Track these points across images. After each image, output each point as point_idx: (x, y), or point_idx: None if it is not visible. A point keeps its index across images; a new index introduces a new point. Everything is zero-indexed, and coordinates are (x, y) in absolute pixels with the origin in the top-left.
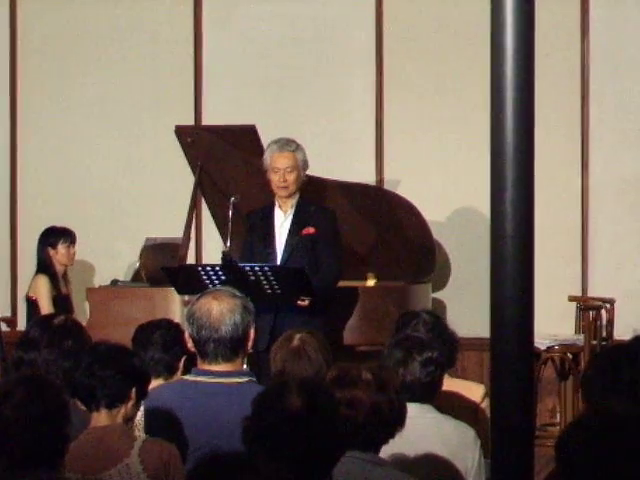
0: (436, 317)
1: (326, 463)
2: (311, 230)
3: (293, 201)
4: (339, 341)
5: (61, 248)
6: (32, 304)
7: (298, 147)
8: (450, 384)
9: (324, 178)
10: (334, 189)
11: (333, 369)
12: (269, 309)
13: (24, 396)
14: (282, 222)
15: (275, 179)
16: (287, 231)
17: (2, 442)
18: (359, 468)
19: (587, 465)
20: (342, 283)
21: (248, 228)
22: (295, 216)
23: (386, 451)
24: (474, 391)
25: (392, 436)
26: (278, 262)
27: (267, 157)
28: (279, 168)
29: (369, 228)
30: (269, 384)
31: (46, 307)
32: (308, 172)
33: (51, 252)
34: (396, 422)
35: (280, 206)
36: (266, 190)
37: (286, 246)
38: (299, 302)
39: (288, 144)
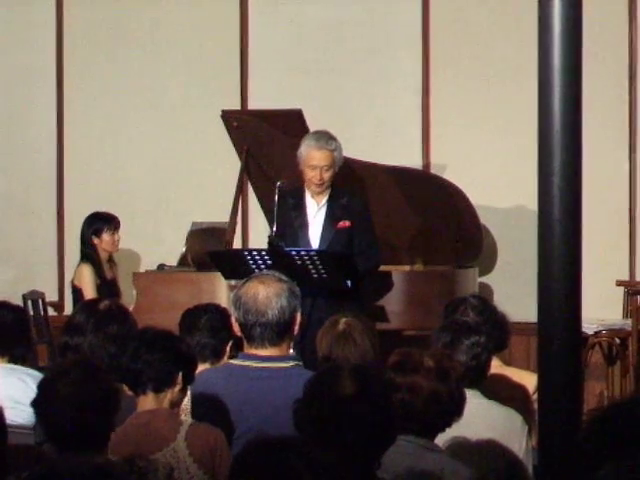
0: (483, 300)
1: (376, 449)
2: (347, 223)
3: (326, 191)
4: (384, 325)
5: (105, 236)
6: (77, 292)
7: (337, 145)
8: (502, 372)
9: (371, 162)
10: (381, 174)
11: (395, 353)
12: (304, 295)
13: (79, 376)
14: (315, 213)
15: (311, 175)
16: (321, 223)
17: (54, 420)
18: (411, 452)
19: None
20: (388, 267)
21: (280, 211)
22: (329, 208)
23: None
24: (526, 380)
25: (449, 425)
26: None
27: (303, 151)
28: (316, 166)
29: (416, 212)
30: (320, 368)
31: (91, 297)
32: (355, 156)
33: (95, 241)
34: (454, 412)
35: (312, 195)
36: None
37: (322, 239)
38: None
39: (328, 143)
